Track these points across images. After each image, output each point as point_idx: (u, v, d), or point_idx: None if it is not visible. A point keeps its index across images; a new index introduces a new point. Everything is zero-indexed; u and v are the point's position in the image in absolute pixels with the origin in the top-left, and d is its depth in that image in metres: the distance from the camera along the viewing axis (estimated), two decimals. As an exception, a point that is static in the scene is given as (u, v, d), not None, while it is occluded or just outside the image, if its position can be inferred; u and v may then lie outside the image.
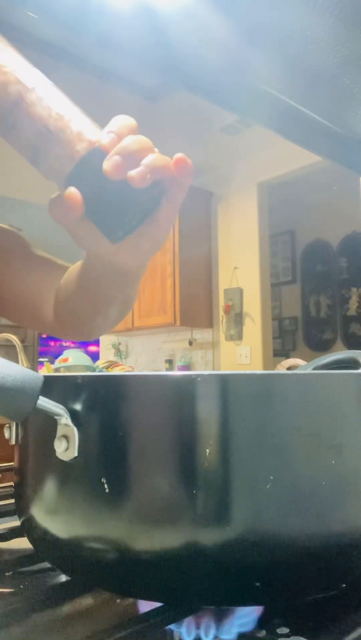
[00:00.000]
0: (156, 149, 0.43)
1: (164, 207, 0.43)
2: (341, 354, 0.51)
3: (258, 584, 0.32)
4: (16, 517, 0.45)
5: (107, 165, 0.40)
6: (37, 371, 0.49)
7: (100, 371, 2.42)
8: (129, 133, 0.42)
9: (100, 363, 2.59)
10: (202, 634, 0.32)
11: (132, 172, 0.40)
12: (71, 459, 0.34)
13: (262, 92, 0.80)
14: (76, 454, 0.33)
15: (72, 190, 0.40)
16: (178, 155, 0.43)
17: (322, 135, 0.93)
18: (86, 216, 0.42)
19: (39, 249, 0.73)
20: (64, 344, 4.92)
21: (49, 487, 0.36)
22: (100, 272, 0.52)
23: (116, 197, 0.41)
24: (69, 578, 0.39)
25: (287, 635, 0.31)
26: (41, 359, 3.35)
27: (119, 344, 4.63)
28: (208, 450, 0.31)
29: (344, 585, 0.35)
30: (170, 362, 4.22)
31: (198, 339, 4.03)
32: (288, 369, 1.03)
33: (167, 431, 0.33)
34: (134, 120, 0.43)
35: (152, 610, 0.33)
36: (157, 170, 0.41)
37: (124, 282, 0.54)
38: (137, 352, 4.59)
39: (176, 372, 0.34)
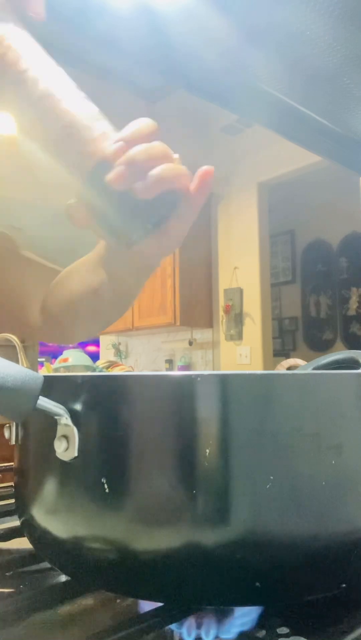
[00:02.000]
0: (176, 156, 0.42)
1: (173, 221, 0.43)
2: (341, 354, 0.51)
3: (258, 584, 0.32)
4: (16, 517, 0.45)
5: (110, 175, 0.40)
6: (37, 371, 0.49)
7: (100, 371, 2.42)
8: (143, 139, 0.41)
9: (100, 363, 2.59)
10: (202, 634, 0.32)
11: (137, 183, 0.39)
12: (71, 459, 0.34)
13: (262, 92, 0.80)
14: (76, 454, 0.33)
15: (78, 205, 0.41)
16: (205, 167, 0.42)
17: (322, 135, 0.93)
18: (97, 223, 0.42)
19: (27, 251, 0.72)
20: (64, 344, 4.91)
21: (49, 487, 0.36)
22: (119, 264, 0.53)
23: (125, 206, 0.41)
24: (69, 578, 0.39)
25: (287, 635, 0.31)
26: (41, 359, 3.35)
27: (119, 344, 4.63)
28: (208, 450, 0.31)
29: (344, 585, 0.35)
30: (170, 362, 4.22)
31: (198, 339, 4.03)
32: (288, 369, 1.03)
33: (167, 431, 0.33)
34: (153, 123, 0.42)
35: (152, 610, 0.33)
36: (166, 182, 0.40)
37: (140, 275, 0.54)
38: (137, 352, 4.59)
39: (176, 372, 0.34)
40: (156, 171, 0.40)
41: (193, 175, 0.43)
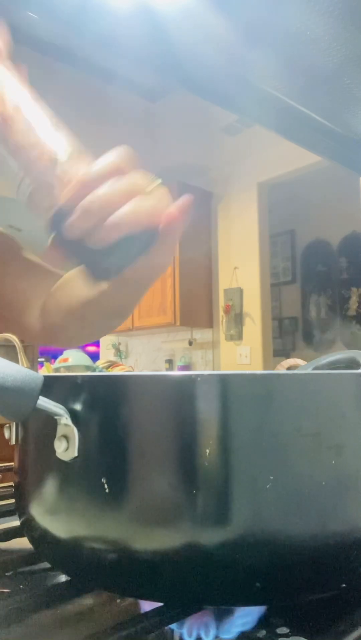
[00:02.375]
0: (157, 181, 0.41)
1: (153, 251, 0.42)
2: (341, 354, 0.51)
3: (258, 584, 0.32)
4: (16, 517, 0.45)
5: (65, 225, 0.40)
6: (37, 371, 0.49)
7: (100, 371, 2.42)
8: (111, 175, 0.40)
9: (100, 363, 2.59)
10: (202, 634, 0.32)
11: (92, 232, 0.39)
12: (71, 459, 0.34)
13: (262, 92, 0.80)
14: (76, 454, 0.33)
15: (51, 249, 0.41)
16: (174, 207, 0.40)
17: (322, 135, 0.93)
18: (74, 259, 0.42)
19: (31, 254, 0.71)
20: (64, 344, 4.90)
21: (49, 487, 0.36)
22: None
23: (94, 249, 0.41)
24: (69, 578, 0.39)
25: (287, 635, 0.31)
26: (41, 359, 3.35)
27: (119, 344, 4.63)
28: (208, 450, 0.31)
29: (344, 585, 0.35)
30: (170, 362, 4.22)
31: (198, 339, 4.03)
32: (288, 369, 1.03)
33: (167, 431, 0.33)
34: (127, 152, 0.41)
35: (152, 610, 0.33)
36: (125, 227, 0.39)
37: (138, 287, 0.53)
38: (137, 352, 4.59)
39: (176, 372, 0.34)
40: (113, 219, 0.39)
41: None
